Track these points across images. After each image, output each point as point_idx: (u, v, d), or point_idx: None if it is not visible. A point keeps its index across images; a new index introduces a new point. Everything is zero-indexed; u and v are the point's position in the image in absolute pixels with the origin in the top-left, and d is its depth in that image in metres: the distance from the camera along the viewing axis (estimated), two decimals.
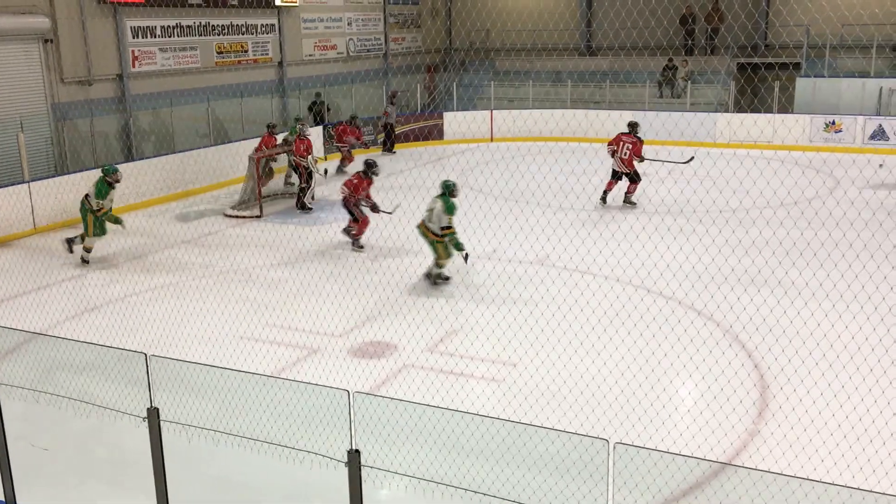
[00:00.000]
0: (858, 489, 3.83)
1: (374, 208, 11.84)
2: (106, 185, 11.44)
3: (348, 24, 23.51)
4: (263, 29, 20.34)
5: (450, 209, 9.68)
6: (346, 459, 4.47)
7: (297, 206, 14.63)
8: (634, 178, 14.14)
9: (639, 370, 7.55)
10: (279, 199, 15.44)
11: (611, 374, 7.46)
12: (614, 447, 4.10)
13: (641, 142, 13.94)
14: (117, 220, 11.68)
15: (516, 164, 16.52)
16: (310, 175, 14.52)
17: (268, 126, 16.06)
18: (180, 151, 16.26)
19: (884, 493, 3.70)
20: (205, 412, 5.07)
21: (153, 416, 4.88)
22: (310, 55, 22.12)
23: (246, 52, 19.91)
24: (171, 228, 13.66)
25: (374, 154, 18.91)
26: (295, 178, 15.32)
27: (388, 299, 9.69)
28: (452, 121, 21.94)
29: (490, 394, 7.33)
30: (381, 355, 8.24)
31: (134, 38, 16.85)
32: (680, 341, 8.10)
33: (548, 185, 15.35)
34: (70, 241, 11.69)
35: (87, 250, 11.57)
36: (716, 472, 5.35)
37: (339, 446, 4.56)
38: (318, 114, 20.40)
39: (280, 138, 15.95)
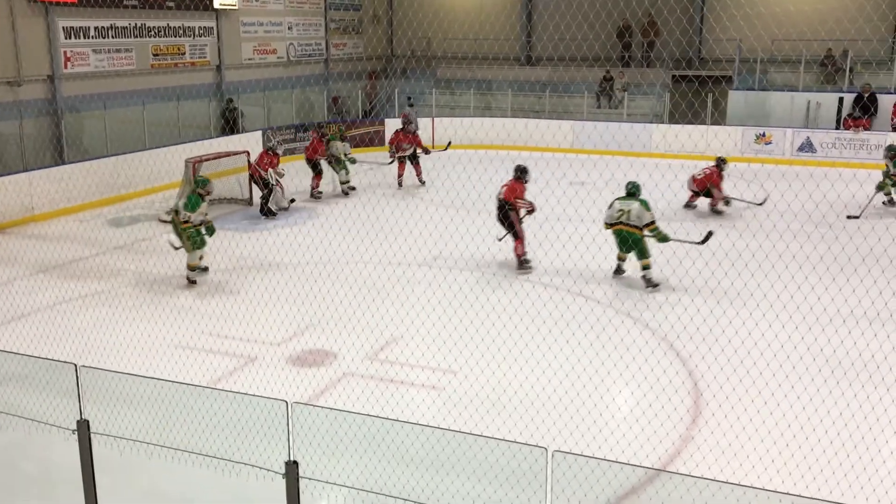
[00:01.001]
0: (788, 494, 3.93)
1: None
2: (198, 196, 10.77)
3: (289, 29, 23.31)
4: (201, 31, 20.02)
5: (647, 206, 10.17)
6: (283, 471, 4.41)
7: (261, 212, 14.42)
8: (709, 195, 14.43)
9: (577, 378, 7.63)
10: (216, 204, 15.18)
11: (549, 382, 7.52)
12: (552, 455, 4.13)
13: (721, 176, 14.23)
14: (202, 243, 10.75)
15: (457, 172, 16.56)
16: (266, 184, 14.31)
17: (318, 126, 16.90)
18: (113, 155, 15.87)
19: (813, 498, 3.82)
20: (137, 424, 4.95)
21: (83, 428, 4.75)
22: (249, 59, 21.85)
23: (183, 54, 19.55)
24: (103, 234, 13.31)
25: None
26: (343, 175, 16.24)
27: (328, 307, 9.61)
28: (394, 128, 21.83)
29: (430, 402, 7.32)
30: (321, 364, 8.16)
31: (66, 38, 16.40)
32: (617, 349, 8.23)
33: (489, 193, 15.44)
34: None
35: (192, 268, 10.81)
36: (651, 479, 5.44)
37: (276, 457, 4.49)
38: (230, 122, 19.66)
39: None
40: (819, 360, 7.95)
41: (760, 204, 14.25)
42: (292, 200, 15.24)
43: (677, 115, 20.76)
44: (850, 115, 19.26)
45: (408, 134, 17.25)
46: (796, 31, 20.12)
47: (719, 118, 20.74)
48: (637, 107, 22.56)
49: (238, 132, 19.25)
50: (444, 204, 15.08)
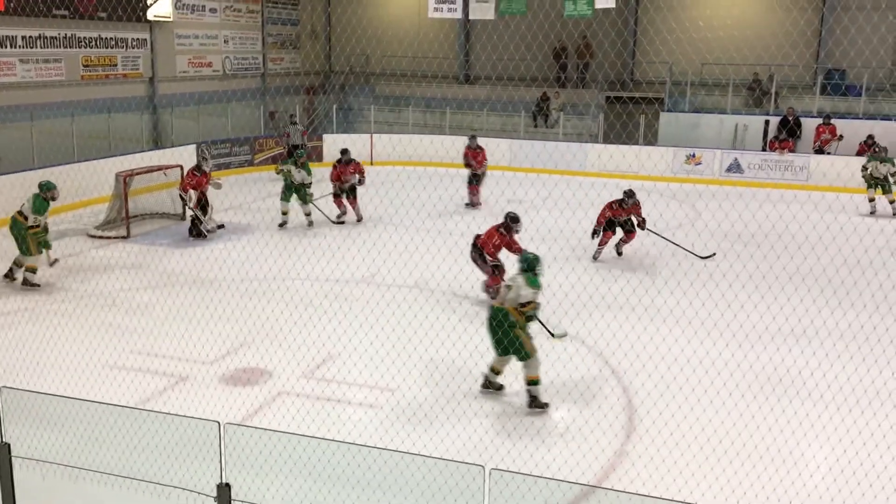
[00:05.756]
0: None
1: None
2: (43, 201, 10.75)
3: (225, 42, 23.03)
4: (134, 43, 19.62)
5: (534, 283, 7.70)
6: (215, 494, 4.30)
7: (189, 233, 13.75)
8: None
9: (515, 395, 7.66)
10: (148, 218, 14.84)
11: (487, 400, 7.54)
12: (490, 473, 4.13)
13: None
14: (47, 245, 10.92)
15: (396, 189, 16.56)
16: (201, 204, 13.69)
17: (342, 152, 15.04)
18: (41, 167, 15.38)
19: None
20: (62, 447, 4.77)
21: (3, 451, 4.57)
22: (184, 72, 21.49)
23: (115, 66, 19.13)
24: None
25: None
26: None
27: (263, 324, 9.46)
28: (332, 143, 21.78)
29: (368, 421, 7.25)
30: (255, 382, 8.01)
31: None
32: (554, 366, 8.29)
33: (427, 211, 15.46)
34: (10, 272, 10.94)
35: (32, 271, 10.83)
36: (587, 495, 5.48)
37: (208, 480, 4.38)
38: None
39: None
40: (749, 375, 8.16)
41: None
42: (220, 226, 14.23)
43: (612, 136, 21.17)
44: (775, 138, 19.92)
45: (476, 151, 16.43)
46: (725, 55, 20.76)
47: (652, 139, 21.23)
48: (573, 126, 22.95)
49: None
50: (382, 221, 15.04)
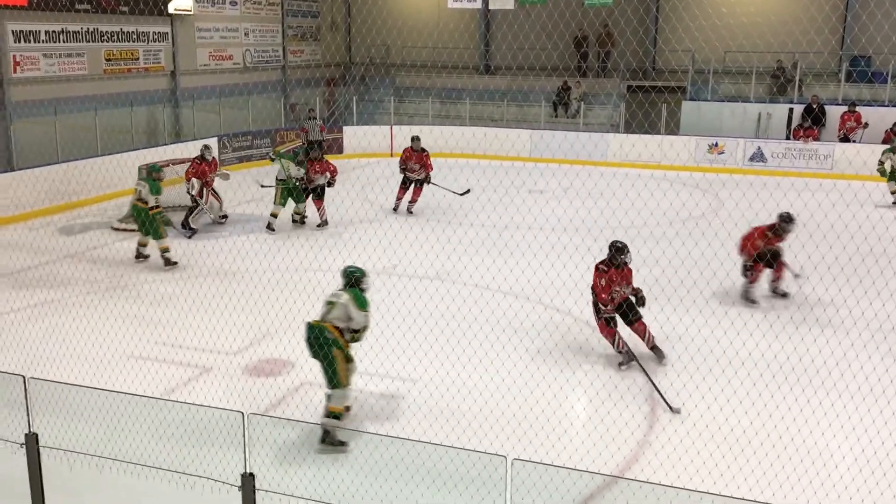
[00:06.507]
0: (744, 499, 3.98)
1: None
2: (155, 182, 11.59)
3: (245, 35, 23.11)
4: (156, 37, 19.74)
5: (362, 304, 6.84)
6: (239, 483, 4.34)
7: (181, 224, 13.67)
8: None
9: (536, 385, 7.66)
10: (171, 211, 14.93)
11: (509, 391, 7.53)
12: (512, 463, 4.13)
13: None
14: (168, 221, 11.96)
15: None
16: (201, 195, 13.79)
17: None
18: (65, 161, 15.54)
19: (767, 503, 3.86)
20: (88, 437, 4.83)
21: (31, 441, 4.62)
22: (205, 65, 21.60)
23: (137, 59, 19.26)
24: (54, 242, 13.01)
25: None
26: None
27: (285, 315, 9.49)
28: (352, 135, 21.85)
29: (390, 411, 7.27)
30: (278, 373, 8.06)
31: (16, 42, 16.05)
32: (575, 356, 8.27)
33: (448, 201, 15.45)
34: (139, 254, 11.89)
35: (166, 251, 11.58)
36: (609, 485, 5.47)
37: (232, 469, 4.42)
38: None
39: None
40: (773, 365, 8.08)
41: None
42: (224, 216, 14.26)
43: (633, 125, 21.03)
44: (799, 126, 19.68)
45: (418, 153, 14.93)
46: (748, 42, 20.54)
47: (674, 128, 21.05)
48: (594, 116, 22.81)
49: None
50: (402, 211, 15.04)
